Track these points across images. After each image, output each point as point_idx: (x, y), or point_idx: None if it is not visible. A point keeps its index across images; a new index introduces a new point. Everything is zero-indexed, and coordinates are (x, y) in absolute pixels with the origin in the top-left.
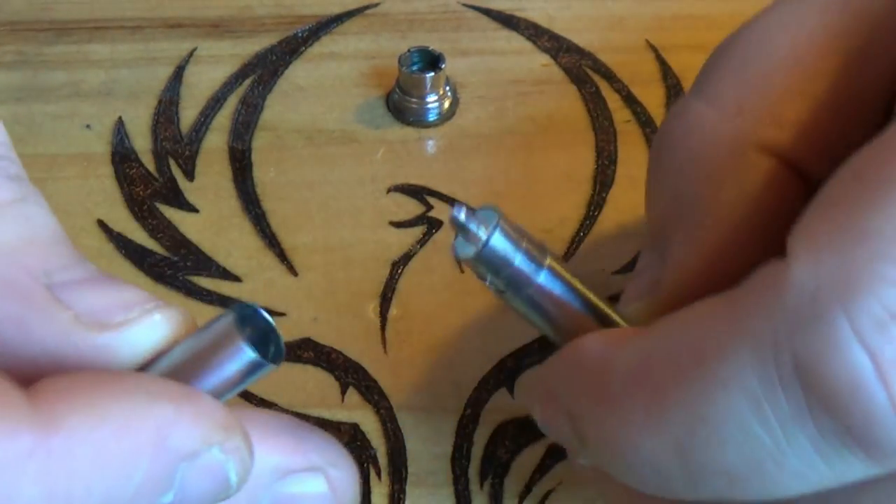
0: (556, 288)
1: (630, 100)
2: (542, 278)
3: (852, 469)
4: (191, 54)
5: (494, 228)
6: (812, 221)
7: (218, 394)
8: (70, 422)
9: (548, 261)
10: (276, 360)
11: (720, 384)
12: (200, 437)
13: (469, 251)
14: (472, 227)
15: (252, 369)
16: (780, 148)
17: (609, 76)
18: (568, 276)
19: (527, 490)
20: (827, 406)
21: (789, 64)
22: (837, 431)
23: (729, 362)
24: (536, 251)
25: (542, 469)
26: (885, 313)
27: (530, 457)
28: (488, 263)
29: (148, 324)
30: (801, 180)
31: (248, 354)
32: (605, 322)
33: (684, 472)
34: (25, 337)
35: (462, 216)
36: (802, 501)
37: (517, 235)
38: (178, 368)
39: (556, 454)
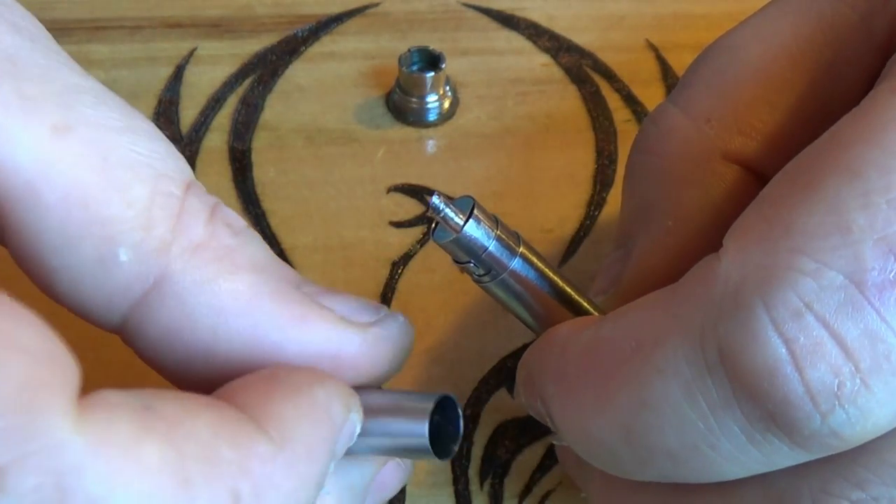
0: (529, 274)
1: (630, 100)
2: (516, 264)
3: (781, 453)
4: (191, 54)
5: (470, 215)
6: (745, 218)
7: (369, 447)
8: (287, 425)
9: (521, 248)
10: (442, 456)
11: (657, 370)
12: (346, 405)
13: (447, 236)
14: (450, 214)
15: (419, 452)
16: (745, 157)
17: (609, 76)
18: (540, 263)
19: (527, 490)
20: (749, 392)
21: (760, 74)
22: (761, 417)
23: (664, 350)
24: (510, 239)
25: (542, 469)
26: (801, 304)
27: (530, 457)
28: (465, 248)
29: (396, 324)
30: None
31: (425, 441)
32: (577, 311)
33: (631, 453)
34: (298, 336)
35: (440, 204)
36: (748, 484)
37: (491, 223)
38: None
39: (556, 454)
